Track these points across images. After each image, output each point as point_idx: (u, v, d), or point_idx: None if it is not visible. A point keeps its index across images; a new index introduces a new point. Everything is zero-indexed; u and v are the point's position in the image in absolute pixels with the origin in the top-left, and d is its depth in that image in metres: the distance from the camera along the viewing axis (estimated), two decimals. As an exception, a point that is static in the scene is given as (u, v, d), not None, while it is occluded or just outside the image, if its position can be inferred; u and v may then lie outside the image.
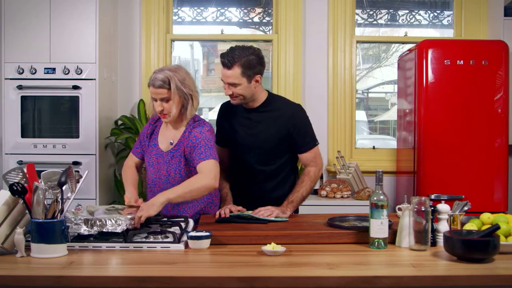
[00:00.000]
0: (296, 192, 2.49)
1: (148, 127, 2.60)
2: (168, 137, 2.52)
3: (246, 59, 2.41)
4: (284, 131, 2.54)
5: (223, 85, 2.49)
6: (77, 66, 3.58)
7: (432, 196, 3.38)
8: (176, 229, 2.14)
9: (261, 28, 4.41)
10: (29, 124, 3.64)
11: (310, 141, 2.59)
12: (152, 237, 2.04)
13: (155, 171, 2.49)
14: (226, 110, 2.71)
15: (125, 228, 1.98)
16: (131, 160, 2.63)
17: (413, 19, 4.41)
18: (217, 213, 2.40)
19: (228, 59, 2.41)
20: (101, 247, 1.96)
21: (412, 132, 3.63)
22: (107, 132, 3.81)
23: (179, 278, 1.66)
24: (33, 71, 3.59)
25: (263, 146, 2.56)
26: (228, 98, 2.57)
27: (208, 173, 2.29)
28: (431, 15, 4.39)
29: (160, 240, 2.02)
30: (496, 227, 1.86)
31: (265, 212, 2.32)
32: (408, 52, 3.77)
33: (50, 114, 3.70)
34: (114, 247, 1.95)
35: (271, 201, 2.48)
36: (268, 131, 2.55)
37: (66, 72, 3.58)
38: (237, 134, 2.61)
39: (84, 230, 1.97)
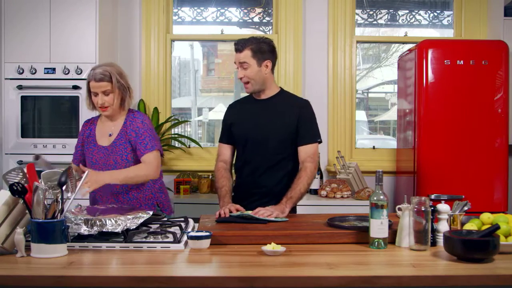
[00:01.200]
0: (294, 189, 2.50)
1: (83, 133, 2.69)
2: (105, 132, 2.63)
3: (257, 45, 2.55)
4: (291, 124, 2.59)
5: (237, 71, 2.60)
6: (77, 66, 3.59)
7: (432, 196, 3.39)
8: (176, 229, 2.14)
9: (261, 28, 4.41)
10: (29, 124, 3.65)
11: (313, 136, 2.63)
12: (152, 237, 2.04)
13: (102, 166, 2.57)
14: (234, 106, 2.79)
15: (125, 227, 1.99)
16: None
17: (413, 19, 4.41)
18: (217, 213, 2.40)
19: (240, 44, 2.56)
20: (101, 247, 1.96)
21: (412, 132, 3.63)
22: (107, 132, 3.81)
23: (179, 278, 1.66)
24: (33, 71, 3.59)
25: (270, 136, 2.59)
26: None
27: (151, 163, 2.51)
28: (431, 15, 4.39)
29: (160, 240, 2.02)
30: (496, 227, 1.86)
31: (264, 212, 2.32)
32: (408, 52, 3.77)
33: (50, 114, 3.71)
34: (114, 247, 1.95)
35: (274, 194, 2.53)
36: (276, 122, 2.60)
37: (66, 72, 3.59)
38: (245, 124, 2.66)
39: (84, 230, 1.97)
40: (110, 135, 2.60)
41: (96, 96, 2.54)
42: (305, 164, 2.57)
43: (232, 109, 2.78)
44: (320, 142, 2.66)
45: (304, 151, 2.59)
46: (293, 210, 2.62)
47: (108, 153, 2.57)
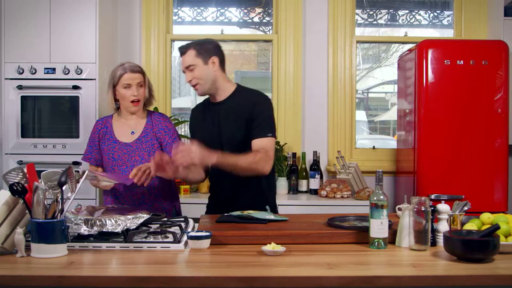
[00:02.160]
0: (236, 156, 2.30)
1: (98, 131, 2.68)
2: (126, 129, 2.64)
3: (200, 45, 2.45)
4: (245, 125, 2.43)
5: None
6: (77, 66, 3.59)
7: (432, 196, 3.39)
8: (176, 229, 2.14)
9: (261, 28, 4.41)
10: (29, 124, 3.65)
11: (264, 129, 2.39)
12: (152, 237, 2.04)
13: (125, 162, 2.58)
14: (196, 109, 2.71)
15: (125, 228, 1.99)
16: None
17: (413, 19, 4.41)
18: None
19: (183, 48, 2.47)
20: (101, 247, 1.96)
21: (412, 132, 3.63)
22: (107, 132, 3.82)
23: (179, 278, 1.66)
24: (33, 71, 3.59)
25: (226, 143, 2.45)
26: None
27: None
28: (431, 15, 4.39)
29: (160, 240, 2.02)
30: (496, 227, 1.86)
31: (182, 156, 2.18)
32: (408, 52, 3.77)
33: (50, 114, 3.71)
34: (114, 247, 1.95)
35: (246, 199, 2.45)
36: (231, 125, 2.45)
37: (66, 72, 3.59)
38: (202, 131, 2.56)
39: (84, 230, 1.97)
40: (132, 133, 2.62)
41: (128, 88, 2.55)
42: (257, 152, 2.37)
43: (194, 112, 2.69)
44: (273, 137, 2.41)
45: (257, 144, 2.38)
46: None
47: (133, 149, 2.58)
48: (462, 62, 3.48)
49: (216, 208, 2.57)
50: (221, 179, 2.56)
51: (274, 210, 2.59)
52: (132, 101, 2.56)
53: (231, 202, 2.48)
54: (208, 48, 2.46)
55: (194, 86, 2.47)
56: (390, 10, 4.41)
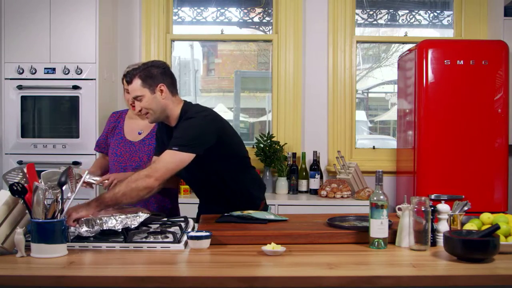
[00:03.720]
0: (111, 190, 2.17)
1: (109, 124, 2.76)
2: (134, 128, 2.67)
3: (145, 71, 2.32)
4: None
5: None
6: (77, 66, 3.59)
7: (432, 196, 3.39)
8: (176, 229, 2.14)
9: (261, 28, 4.41)
10: (29, 124, 3.65)
11: (174, 142, 2.23)
12: (152, 237, 2.04)
13: (125, 160, 2.60)
14: (159, 128, 2.55)
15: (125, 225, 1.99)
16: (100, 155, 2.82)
17: (413, 19, 4.41)
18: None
19: (128, 76, 2.34)
20: (101, 247, 1.96)
21: (412, 132, 3.63)
22: (107, 132, 3.81)
23: (179, 278, 1.66)
24: (33, 71, 3.59)
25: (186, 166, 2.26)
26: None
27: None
28: (431, 15, 4.39)
29: (160, 240, 2.02)
30: (496, 227, 1.86)
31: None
32: (408, 52, 3.77)
33: (50, 114, 3.71)
34: (114, 247, 1.95)
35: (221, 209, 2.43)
36: None
37: (66, 72, 3.59)
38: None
39: (84, 230, 1.97)
40: (139, 133, 2.65)
41: (127, 93, 2.59)
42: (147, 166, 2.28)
43: (158, 129, 2.55)
44: (180, 151, 2.19)
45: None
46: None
47: (136, 149, 2.61)
48: (462, 62, 3.49)
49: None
50: (200, 192, 2.63)
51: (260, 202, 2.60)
52: (131, 104, 2.58)
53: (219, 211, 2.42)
54: (154, 75, 2.31)
55: (144, 115, 2.36)
56: (390, 10, 4.41)
